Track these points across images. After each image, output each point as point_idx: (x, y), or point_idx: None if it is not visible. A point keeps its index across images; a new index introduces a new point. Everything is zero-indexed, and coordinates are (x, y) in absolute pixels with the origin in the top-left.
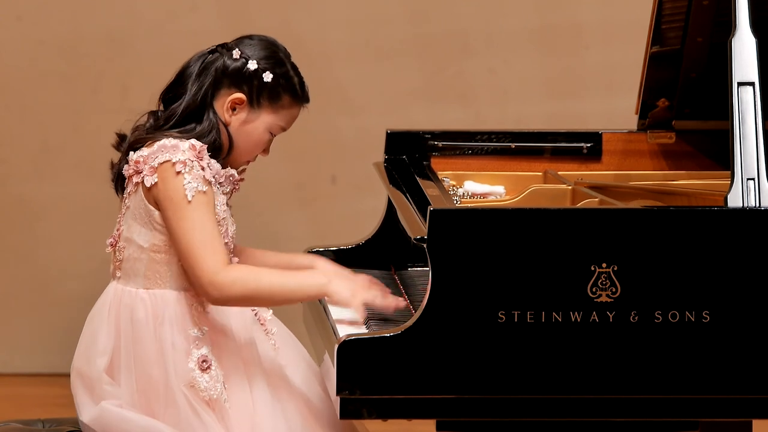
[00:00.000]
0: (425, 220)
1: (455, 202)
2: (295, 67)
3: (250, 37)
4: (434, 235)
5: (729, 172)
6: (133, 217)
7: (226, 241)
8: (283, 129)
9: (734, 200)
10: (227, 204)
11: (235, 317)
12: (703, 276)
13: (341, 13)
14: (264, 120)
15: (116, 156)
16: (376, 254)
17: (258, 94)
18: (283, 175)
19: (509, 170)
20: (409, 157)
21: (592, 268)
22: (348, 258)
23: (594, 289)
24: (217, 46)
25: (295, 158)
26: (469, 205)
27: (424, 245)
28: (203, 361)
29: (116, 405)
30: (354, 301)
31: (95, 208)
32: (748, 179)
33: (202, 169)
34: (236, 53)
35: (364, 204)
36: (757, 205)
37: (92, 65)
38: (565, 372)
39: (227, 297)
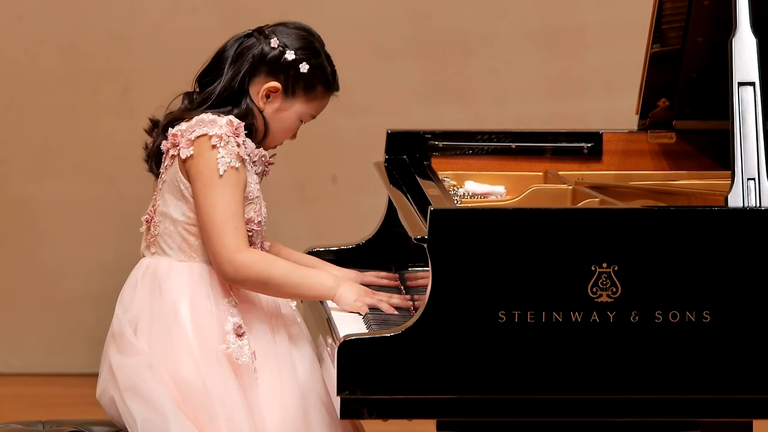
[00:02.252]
0: (426, 220)
1: (456, 202)
2: (328, 57)
3: (285, 24)
4: (435, 235)
5: (729, 172)
6: (169, 191)
7: (260, 219)
8: (313, 117)
9: (735, 200)
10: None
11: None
12: (703, 276)
13: (341, 13)
14: (297, 109)
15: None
16: (377, 254)
17: (294, 84)
18: (283, 175)
19: (510, 170)
20: (409, 157)
21: (593, 268)
22: (348, 258)
23: (594, 289)
24: (254, 30)
25: (295, 158)
26: (469, 205)
27: (425, 245)
28: (239, 326)
29: (145, 363)
30: (358, 303)
31: (95, 208)
32: (748, 179)
33: (238, 145)
34: (274, 42)
35: (365, 204)
36: (758, 205)
37: (92, 65)
38: (566, 372)
39: (241, 278)
